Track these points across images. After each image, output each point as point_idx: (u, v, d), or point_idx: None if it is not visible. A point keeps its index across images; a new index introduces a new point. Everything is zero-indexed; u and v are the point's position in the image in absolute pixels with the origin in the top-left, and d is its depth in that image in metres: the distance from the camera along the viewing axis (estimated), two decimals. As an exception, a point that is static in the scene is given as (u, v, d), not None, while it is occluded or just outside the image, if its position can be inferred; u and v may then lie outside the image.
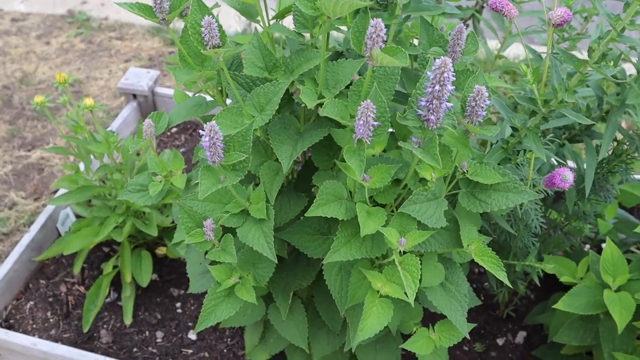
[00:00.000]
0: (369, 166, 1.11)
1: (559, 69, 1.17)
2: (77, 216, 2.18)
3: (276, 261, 1.18)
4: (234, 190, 1.16)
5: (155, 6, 1.07)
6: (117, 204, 1.95)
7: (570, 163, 1.91)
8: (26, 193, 2.40)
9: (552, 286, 1.93)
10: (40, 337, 1.91)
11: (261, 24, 1.24)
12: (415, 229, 1.11)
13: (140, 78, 2.50)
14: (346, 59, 1.15)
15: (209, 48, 1.06)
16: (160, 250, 2.10)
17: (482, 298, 1.98)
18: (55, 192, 2.35)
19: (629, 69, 1.38)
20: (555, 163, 1.48)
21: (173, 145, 2.57)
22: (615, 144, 1.49)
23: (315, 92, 1.15)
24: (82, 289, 2.05)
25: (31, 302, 2.01)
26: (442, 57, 0.93)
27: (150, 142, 1.22)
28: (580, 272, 1.63)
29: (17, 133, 2.66)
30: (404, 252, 1.10)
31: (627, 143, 1.46)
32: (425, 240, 1.14)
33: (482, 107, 0.99)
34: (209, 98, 1.32)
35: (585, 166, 1.44)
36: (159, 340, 1.92)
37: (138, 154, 2.07)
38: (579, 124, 1.44)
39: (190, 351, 1.89)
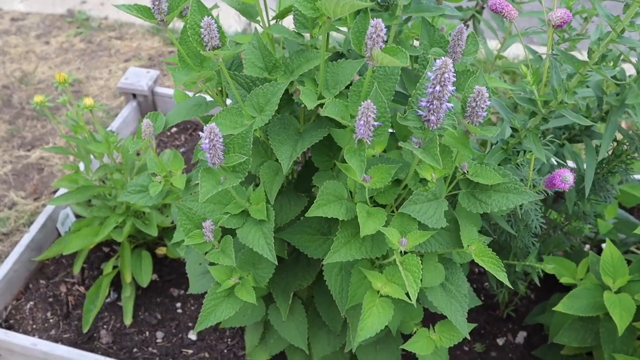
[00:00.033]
0: (369, 166, 1.11)
1: (559, 70, 1.17)
2: (77, 216, 2.18)
3: (276, 262, 1.18)
4: (234, 191, 1.16)
5: (153, 7, 1.07)
6: (117, 204, 1.95)
7: (570, 163, 1.91)
8: (26, 193, 2.39)
9: (552, 286, 1.93)
10: (40, 337, 1.91)
11: (261, 24, 1.24)
12: (416, 229, 1.11)
13: (140, 78, 2.49)
14: (347, 59, 1.15)
15: (209, 49, 1.06)
16: (160, 251, 2.10)
17: (482, 298, 1.98)
18: (55, 192, 2.35)
19: (629, 69, 1.38)
20: (555, 163, 1.48)
21: (173, 145, 2.57)
22: (615, 144, 1.49)
23: (315, 93, 1.15)
24: (82, 289, 2.05)
25: (31, 302, 2.01)
26: (442, 57, 0.92)
27: (150, 142, 1.22)
28: (580, 273, 1.62)
29: (16, 133, 2.66)
30: (405, 252, 1.10)
31: (627, 143, 1.46)
32: (426, 240, 1.14)
33: (483, 108, 0.99)
34: (208, 98, 1.32)
35: (585, 166, 1.44)
36: (159, 340, 1.92)
37: (138, 154, 2.06)
38: (579, 124, 1.44)
39: (190, 351, 1.89)
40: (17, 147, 2.59)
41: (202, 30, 1.05)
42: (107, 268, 1.99)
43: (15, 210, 2.32)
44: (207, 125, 0.99)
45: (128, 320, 1.95)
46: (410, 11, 1.12)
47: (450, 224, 1.18)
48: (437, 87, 0.94)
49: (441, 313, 1.24)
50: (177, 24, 3.25)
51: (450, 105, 0.98)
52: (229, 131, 1.11)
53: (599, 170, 1.52)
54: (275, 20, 1.26)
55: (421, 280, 1.09)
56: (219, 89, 1.31)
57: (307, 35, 1.23)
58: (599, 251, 2.03)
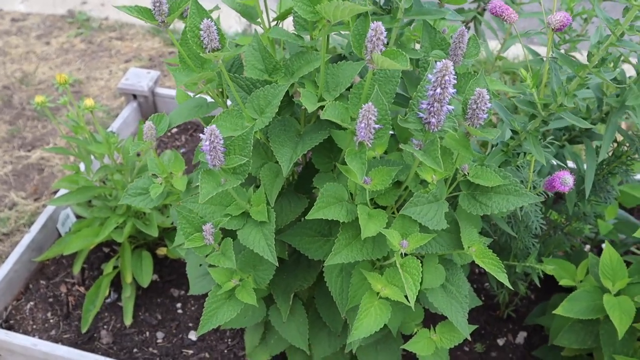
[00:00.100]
0: (370, 168, 1.12)
1: (559, 72, 1.17)
2: (78, 217, 2.18)
3: (277, 264, 1.18)
4: (234, 192, 1.16)
5: (154, 9, 1.07)
6: (117, 204, 1.95)
7: (570, 164, 1.91)
8: (26, 193, 2.40)
9: (553, 286, 1.94)
10: (40, 337, 1.91)
11: (261, 25, 1.24)
12: (417, 231, 1.11)
13: (140, 78, 2.49)
14: (347, 61, 1.15)
15: (208, 51, 1.06)
16: (161, 251, 2.10)
17: (483, 298, 1.98)
18: (56, 192, 2.35)
19: (629, 70, 1.38)
20: (556, 164, 1.48)
21: (173, 145, 2.57)
22: (615, 145, 1.49)
23: (316, 95, 1.15)
24: (82, 289, 2.05)
25: (31, 303, 2.01)
26: (443, 60, 0.93)
27: (151, 144, 1.22)
28: (579, 275, 1.63)
29: (17, 133, 2.66)
30: (406, 254, 1.10)
31: (627, 144, 1.46)
32: (427, 242, 1.14)
33: (483, 110, 0.99)
34: (209, 99, 1.32)
35: (585, 167, 1.44)
36: (159, 340, 1.92)
37: (138, 155, 2.07)
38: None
39: (190, 352, 1.89)
40: (18, 147, 2.59)
41: (201, 32, 1.05)
42: (108, 268, 1.99)
43: (15, 210, 2.32)
44: (208, 127, 1.00)
45: (128, 321, 1.95)
46: (411, 14, 1.12)
47: (450, 226, 1.18)
48: (438, 90, 0.94)
49: (442, 314, 1.24)
50: (178, 24, 3.25)
51: (451, 107, 0.98)
52: (230, 133, 1.11)
53: (599, 172, 1.52)
54: (275, 22, 1.26)
55: (421, 282, 1.09)
56: (220, 90, 1.31)
57: (307, 37, 1.23)
58: (600, 251, 2.03)
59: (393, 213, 1.22)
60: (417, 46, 1.30)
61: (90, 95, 2.85)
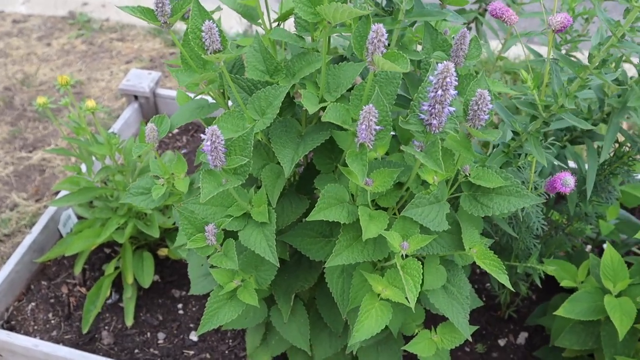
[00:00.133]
0: (371, 170, 1.12)
1: (560, 73, 1.17)
2: (79, 217, 2.18)
3: (278, 265, 1.18)
4: (235, 193, 1.16)
5: (156, 9, 1.07)
6: (118, 205, 1.95)
7: (571, 164, 1.91)
8: (27, 194, 2.40)
9: (554, 287, 1.94)
10: (41, 338, 1.91)
11: (262, 26, 1.24)
12: (418, 233, 1.11)
13: (141, 79, 2.50)
14: (348, 62, 1.15)
15: (210, 53, 1.07)
16: (162, 252, 2.10)
17: (484, 299, 1.98)
18: (57, 193, 2.35)
19: (629, 69, 1.38)
20: (557, 164, 1.48)
21: (174, 146, 2.57)
22: (617, 145, 1.49)
23: (317, 96, 1.15)
24: (83, 290, 2.05)
25: (32, 304, 2.01)
26: (444, 61, 0.93)
27: (154, 146, 1.22)
28: (580, 276, 1.62)
29: (18, 134, 2.66)
30: (407, 256, 1.10)
31: (629, 145, 1.45)
32: (428, 243, 1.14)
33: (485, 111, 0.99)
34: (211, 100, 1.33)
35: (586, 167, 1.44)
36: (160, 341, 1.93)
37: (139, 156, 2.07)
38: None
39: (191, 352, 1.89)
40: (19, 148, 2.60)
41: (203, 34, 1.05)
42: (109, 269, 1.99)
43: (17, 211, 2.32)
44: (209, 127, 1.00)
45: (129, 321, 1.95)
46: (412, 16, 1.12)
47: (452, 227, 1.18)
48: (439, 92, 0.94)
49: (443, 314, 1.24)
50: (179, 25, 3.25)
51: (452, 109, 0.98)
52: (231, 134, 1.11)
53: (600, 172, 1.52)
54: (277, 23, 1.26)
55: (422, 283, 1.09)
56: (221, 90, 1.32)
57: (308, 38, 1.23)
58: (601, 252, 2.02)
59: (394, 214, 1.22)
60: (419, 47, 1.30)
61: (91, 96, 2.86)
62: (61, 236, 2.14)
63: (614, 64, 1.18)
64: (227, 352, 1.89)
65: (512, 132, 1.30)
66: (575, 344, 1.55)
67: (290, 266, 1.43)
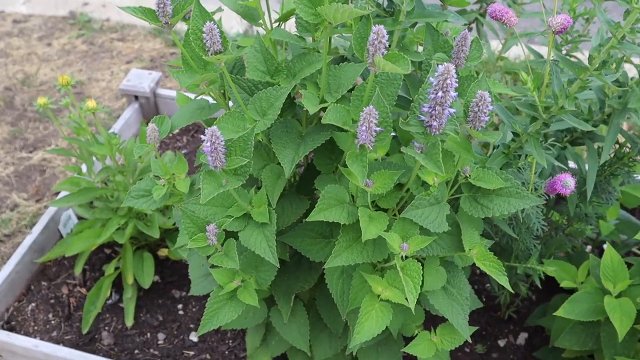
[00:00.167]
0: (371, 171, 1.12)
1: (560, 74, 1.17)
2: (79, 218, 2.18)
3: (278, 265, 1.18)
4: (236, 194, 1.17)
5: (158, 10, 1.07)
6: (119, 205, 1.95)
7: (572, 164, 1.91)
8: (28, 194, 2.40)
9: (554, 287, 1.94)
10: (41, 338, 1.92)
11: (263, 27, 1.24)
12: (418, 234, 1.11)
13: (142, 79, 2.50)
14: (349, 63, 1.15)
15: (211, 54, 1.07)
16: (162, 252, 2.10)
17: (484, 299, 1.98)
18: (57, 193, 2.35)
19: (630, 70, 1.38)
20: (557, 166, 1.48)
21: (175, 147, 2.57)
22: (617, 146, 1.49)
23: (317, 97, 1.15)
24: (83, 290, 2.05)
25: (33, 304, 2.01)
26: (445, 63, 0.93)
27: (154, 147, 1.22)
28: (580, 277, 1.62)
29: (18, 134, 2.66)
30: (406, 257, 1.10)
31: (629, 146, 1.45)
32: (428, 244, 1.14)
33: (485, 113, 1.00)
34: (211, 101, 1.33)
35: (586, 167, 1.44)
36: (160, 342, 1.93)
37: (140, 155, 2.07)
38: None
39: (191, 353, 1.89)
40: (19, 148, 2.60)
41: (204, 35, 1.05)
42: (109, 269, 1.99)
43: (17, 211, 2.32)
44: (209, 128, 1.00)
45: (129, 322, 1.95)
46: (413, 17, 1.12)
47: (452, 228, 1.18)
48: (440, 93, 0.94)
49: (443, 315, 1.24)
50: (179, 25, 3.25)
51: (452, 110, 0.98)
52: (232, 135, 1.11)
53: (601, 173, 1.52)
54: (277, 23, 1.26)
55: (422, 284, 1.09)
56: (222, 91, 1.32)
57: (309, 38, 1.23)
58: (601, 252, 2.03)
59: (394, 215, 1.22)
60: (420, 48, 1.30)
61: (92, 96, 2.86)
62: (61, 236, 2.14)
63: (614, 65, 1.18)
64: (227, 352, 1.89)
65: (512, 133, 1.30)
66: (575, 344, 1.55)
67: (290, 267, 1.44)
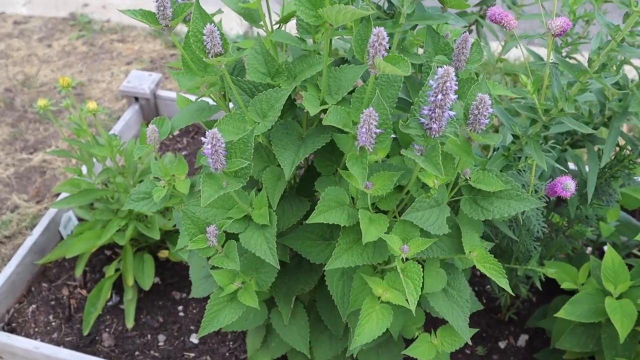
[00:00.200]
0: (371, 173, 1.12)
1: (560, 77, 1.17)
2: (80, 219, 2.18)
3: (279, 267, 1.18)
4: (236, 196, 1.17)
5: (158, 13, 1.07)
6: (119, 207, 1.95)
7: (571, 165, 1.91)
8: (28, 196, 2.40)
9: (554, 289, 1.93)
10: (42, 340, 1.92)
11: (264, 28, 1.24)
12: (418, 236, 1.11)
13: (142, 81, 2.50)
14: (350, 65, 1.15)
15: (211, 56, 1.07)
16: (163, 254, 2.10)
17: (484, 301, 1.98)
18: (58, 195, 2.36)
19: (629, 71, 1.38)
20: (557, 168, 1.48)
21: (175, 148, 2.57)
22: (617, 149, 1.49)
23: (318, 98, 1.15)
24: (84, 292, 2.05)
25: (33, 306, 2.01)
26: (445, 66, 0.93)
27: (154, 148, 1.23)
28: (581, 278, 1.63)
29: (19, 136, 2.66)
30: (407, 259, 1.10)
31: (630, 148, 1.45)
32: (428, 246, 1.14)
33: (485, 115, 1.00)
34: (211, 102, 1.33)
35: (586, 169, 1.44)
36: (161, 343, 1.93)
37: (140, 157, 2.07)
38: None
39: (192, 355, 1.89)
40: (20, 150, 2.60)
41: (204, 37, 1.05)
42: (109, 271, 1.99)
43: (17, 213, 2.33)
44: (210, 130, 1.00)
45: (130, 324, 1.95)
46: (414, 19, 1.12)
47: (452, 230, 1.18)
48: (439, 96, 0.94)
49: (443, 317, 1.24)
50: (179, 27, 3.25)
51: (452, 113, 0.98)
52: (232, 137, 1.11)
53: (601, 175, 1.52)
54: (278, 25, 1.26)
55: (422, 286, 1.09)
56: (222, 93, 1.32)
57: (310, 40, 1.23)
58: (601, 254, 2.03)
59: (395, 217, 1.22)
60: (420, 50, 1.30)
61: (92, 98, 2.86)
62: (62, 238, 2.14)
63: (615, 67, 1.18)
64: (227, 354, 1.89)
65: (512, 135, 1.30)
66: (576, 346, 1.55)
67: (290, 269, 1.44)
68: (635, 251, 1.99)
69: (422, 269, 1.10)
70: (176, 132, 2.62)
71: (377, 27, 0.94)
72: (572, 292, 1.62)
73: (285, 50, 1.42)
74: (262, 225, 1.18)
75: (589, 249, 2.08)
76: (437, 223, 1.10)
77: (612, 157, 1.50)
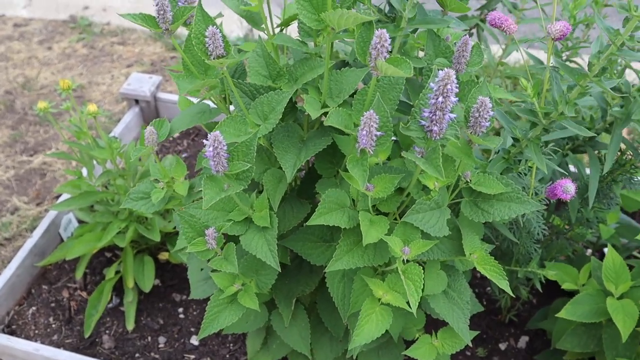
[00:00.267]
0: (372, 175, 1.12)
1: (560, 80, 1.17)
2: (80, 221, 2.18)
3: (279, 269, 1.18)
4: (237, 198, 1.17)
5: (158, 17, 1.07)
6: (119, 209, 1.95)
7: (572, 168, 1.91)
8: (28, 198, 2.40)
9: (554, 291, 1.94)
10: (42, 342, 1.92)
11: (265, 31, 1.25)
12: (419, 238, 1.11)
13: (142, 83, 2.50)
14: (351, 68, 1.16)
15: (213, 58, 1.07)
16: (163, 256, 2.11)
17: (485, 303, 1.98)
18: (58, 197, 2.36)
19: (629, 74, 1.38)
20: (558, 168, 1.48)
21: (175, 150, 2.57)
22: (619, 153, 1.49)
23: (319, 101, 1.16)
24: (84, 294, 2.05)
25: (33, 308, 2.01)
26: (445, 68, 0.93)
27: (153, 149, 1.23)
28: (582, 279, 1.63)
29: (19, 138, 2.66)
30: (407, 261, 1.11)
31: (631, 154, 1.45)
32: (428, 248, 1.14)
33: (485, 118, 1.00)
34: (212, 105, 1.33)
35: (587, 171, 1.44)
36: (161, 345, 1.93)
37: (140, 159, 2.07)
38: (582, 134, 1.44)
39: (192, 356, 1.89)
40: (20, 152, 2.60)
41: (206, 39, 1.05)
42: (110, 273, 1.99)
43: (17, 215, 2.33)
44: (212, 133, 1.00)
45: (130, 326, 1.95)
46: (415, 23, 1.13)
47: (452, 232, 1.19)
48: (440, 98, 0.95)
49: (443, 319, 1.24)
50: (179, 30, 3.25)
51: (453, 115, 0.99)
52: (233, 139, 1.11)
53: (602, 179, 1.52)
54: (279, 28, 1.27)
55: (423, 288, 1.09)
56: (223, 96, 1.32)
57: (311, 43, 1.24)
58: (601, 255, 2.03)
59: (395, 219, 1.23)
60: (421, 53, 1.30)
61: (92, 100, 2.86)
62: (62, 240, 2.14)
63: (616, 72, 1.18)
64: (227, 356, 1.89)
65: (513, 138, 1.31)
66: (577, 346, 1.55)
67: (291, 270, 1.44)
68: (635, 253, 2.00)
69: (422, 271, 1.10)
70: (177, 135, 2.63)
71: (379, 29, 0.95)
72: (572, 294, 1.62)
73: (287, 53, 1.42)
74: (263, 227, 1.18)
75: (589, 251, 2.08)
76: (437, 225, 1.11)
77: (614, 162, 1.50)
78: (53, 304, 2.02)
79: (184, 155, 2.54)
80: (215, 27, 1.06)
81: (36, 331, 1.95)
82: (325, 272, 1.28)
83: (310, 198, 1.38)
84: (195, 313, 2.01)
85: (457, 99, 0.96)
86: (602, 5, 1.52)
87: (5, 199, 2.39)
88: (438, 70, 0.96)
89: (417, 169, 1.10)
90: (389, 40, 0.95)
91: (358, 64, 1.26)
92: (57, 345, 1.92)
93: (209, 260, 1.19)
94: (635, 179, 1.48)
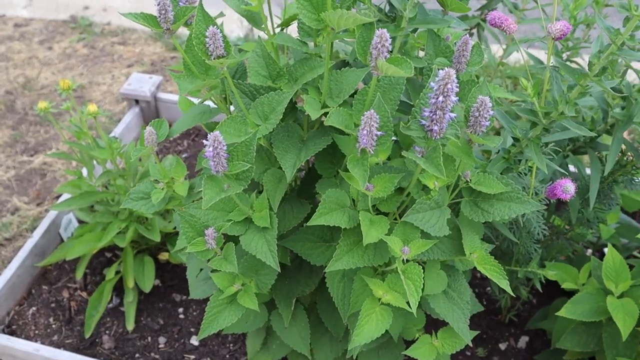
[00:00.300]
0: (372, 175, 1.12)
1: (560, 80, 1.17)
2: (80, 222, 2.18)
3: (279, 269, 1.18)
4: (237, 198, 1.17)
5: (159, 16, 1.08)
6: (119, 209, 1.96)
7: (572, 168, 1.91)
8: (29, 198, 2.40)
9: (555, 291, 1.94)
10: (42, 343, 1.92)
11: (265, 31, 1.25)
12: (419, 238, 1.11)
13: (142, 83, 2.50)
14: (351, 68, 1.16)
15: (214, 58, 1.07)
16: (163, 256, 2.11)
17: (485, 303, 1.98)
18: (58, 197, 2.36)
19: (629, 74, 1.38)
20: (558, 169, 1.48)
21: (175, 150, 2.57)
22: (620, 154, 1.49)
23: (319, 102, 1.16)
24: (84, 294, 2.06)
25: (34, 308, 2.01)
26: (446, 68, 0.93)
27: (152, 150, 1.23)
28: (582, 279, 1.63)
29: (19, 138, 2.67)
30: (407, 261, 1.11)
31: (632, 155, 1.45)
32: (428, 248, 1.14)
33: (486, 118, 1.00)
34: (213, 105, 1.33)
35: (587, 171, 1.44)
36: (161, 345, 1.93)
37: (140, 160, 2.07)
38: (583, 135, 1.44)
39: (192, 357, 1.89)
40: (20, 152, 2.60)
41: (207, 39, 1.06)
42: (110, 273, 1.99)
43: (18, 215, 2.33)
44: (212, 133, 1.00)
45: (130, 326, 1.95)
46: (415, 23, 1.13)
47: (452, 232, 1.19)
48: (440, 98, 0.95)
49: (443, 319, 1.24)
50: (180, 29, 3.25)
51: (453, 115, 0.99)
52: (233, 139, 1.11)
53: (603, 180, 1.52)
54: (280, 28, 1.27)
55: (423, 288, 1.09)
56: (223, 96, 1.32)
57: (311, 43, 1.24)
58: (601, 255, 2.03)
59: (395, 219, 1.23)
60: (421, 53, 1.30)
61: (93, 100, 2.86)
62: (62, 240, 2.14)
63: (618, 72, 1.18)
64: (227, 356, 1.89)
65: (513, 138, 1.31)
66: (577, 345, 1.55)
67: (291, 271, 1.44)
68: (635, 253, 2.00)
69: (422, 271, 1.10)
70: (177, 135, 2.63)
71: (380, 29, 0.95)
72: (572, 294, 1.62)
73: (287, 53, 1.42)
74: (263, 227, 1.18)
75: (589, 251, 2.08)
76: (437, 225, 1.11)
77: (614, 162, 1.50)
78: (53, 304, 2.02)
79: (184, 156, 2.54)
80: (215, 27, 1.06)
81: (36, 331, 1.96)
82: (325, 272, 1.28)
83: (310, 198, 1.38)
84: (195, 313, 2.01)
85: (457, 98, 0.96)
86: (603, 5, 1.52)
87: (5, 199, 2.39)
88: (438, 69, 0.96)
89: (418, 169, 1.10)
90: (390, 40, 0.95)
91: (358, 64, 1.26)
92: (57, 345, 1.92)
93: (208, 260, 1.20)
94: (636, 180, 1.48)
